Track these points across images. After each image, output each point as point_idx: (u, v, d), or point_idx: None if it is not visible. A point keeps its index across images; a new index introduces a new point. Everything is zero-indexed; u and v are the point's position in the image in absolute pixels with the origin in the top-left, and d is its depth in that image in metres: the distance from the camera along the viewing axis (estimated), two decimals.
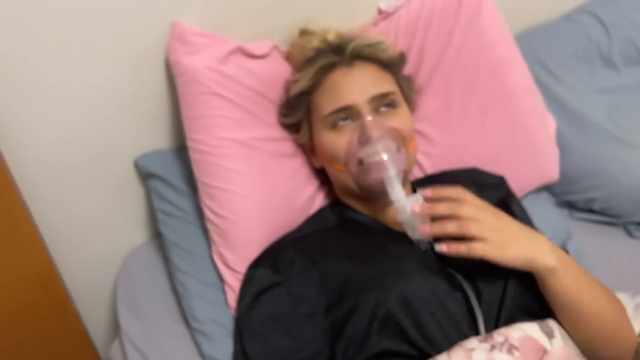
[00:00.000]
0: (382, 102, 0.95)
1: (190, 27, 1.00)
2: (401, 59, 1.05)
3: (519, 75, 1.14)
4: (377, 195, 0.92)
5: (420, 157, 1.13)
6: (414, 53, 1.12)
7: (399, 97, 0.98)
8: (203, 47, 1.00)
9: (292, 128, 1.04)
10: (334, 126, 0.94)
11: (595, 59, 1.34)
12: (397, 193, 0.86)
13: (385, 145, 0.88)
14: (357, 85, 0.94)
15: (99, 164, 1.11)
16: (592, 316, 0.82)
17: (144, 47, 1.02)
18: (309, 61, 1.00)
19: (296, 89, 0.99)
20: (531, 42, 1.32)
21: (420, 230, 0.82)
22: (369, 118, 0.91)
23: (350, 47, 0.97)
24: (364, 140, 0.90)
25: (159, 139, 1.15)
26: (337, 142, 0.93)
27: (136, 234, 1.24)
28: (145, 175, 1.14)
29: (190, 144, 1.02)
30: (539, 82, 1.22)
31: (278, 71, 1.06)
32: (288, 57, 1.09)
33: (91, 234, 1.18)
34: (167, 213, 1.10)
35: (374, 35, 1.05)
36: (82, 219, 1.16)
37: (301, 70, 1.00)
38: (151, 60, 1.04)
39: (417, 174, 1.14)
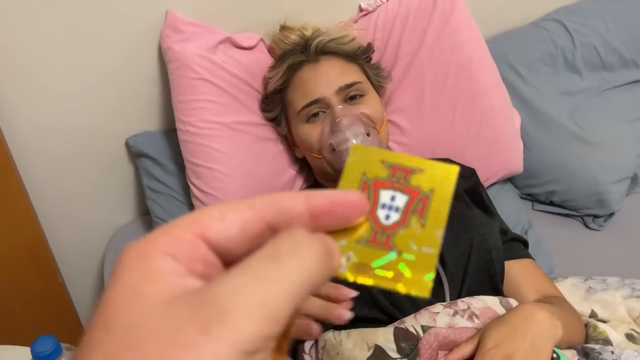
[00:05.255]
0: (350, 92, 1.02)
1: (183, 16, 1.07)
2: (367, 48, 1.12)
3: (487, 73, 1.22)
4: None
5: (394, 146, 1.21)
6: (391, 49, 1.19)
7: (366, 86, 1.06)
8: (194, 36, 1.06)
9: (273, 121, 1.12)
10: (307, 119, 1.02)
11: (560, 63, 1.42)
12: None
13: (354, 131, 0.95)
14: (324, 79, 1.02)
15: (91, 143, 1.17)
16: (570, 341, 0.88)
17: (138, 33, 1.08)
18: (280, 60, 1.08)
19: (270, 87, 1.07)
20: (501, 45, 1.40)
21: None
22: (338, 107, 0.99)
23: (314, 44, 1.05)
24: (334, 128, 0.97)
25: (149, 121, 1.21)
26: (311, 133, 1.01)
27: (124, 211, 1.30)
28: (135, 155, 1.20)
29: (179, 125, 1.08)
30: (507, 82, 1.30)
31: (263, 62, 1.14)
32: (269, 50, 1.17)
33: (81, 209, 1.24)
34: (155, 190, 1.17)
35: (350, 30, 1.13)
36: (73, 194, 1.22)
37: (274, 69, 1.08)
38: (145, 46, 1.10)
39: None
